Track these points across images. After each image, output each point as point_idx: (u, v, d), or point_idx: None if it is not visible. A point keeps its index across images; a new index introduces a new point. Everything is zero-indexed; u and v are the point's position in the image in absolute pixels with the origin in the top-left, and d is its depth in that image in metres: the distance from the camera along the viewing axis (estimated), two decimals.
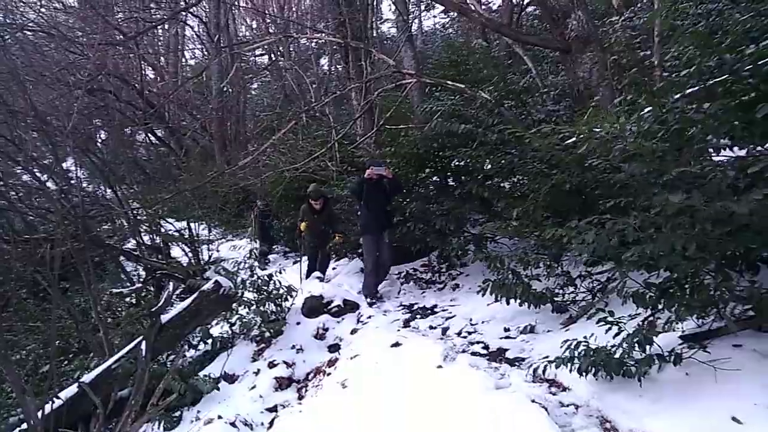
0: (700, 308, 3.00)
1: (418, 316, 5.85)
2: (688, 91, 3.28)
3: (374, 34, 15.29)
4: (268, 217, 10.51)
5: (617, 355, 3.06)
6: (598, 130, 3.28)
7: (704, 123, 2.96)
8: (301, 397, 4.60)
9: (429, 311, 5.93)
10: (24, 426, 3.78)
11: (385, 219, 6.53)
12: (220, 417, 4.11)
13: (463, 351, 4.51)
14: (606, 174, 4.11)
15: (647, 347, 2.98)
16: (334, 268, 8.05)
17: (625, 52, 6.53)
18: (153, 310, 5.10)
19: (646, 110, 3.18)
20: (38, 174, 8.13)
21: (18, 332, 6.60)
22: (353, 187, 6.64)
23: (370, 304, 6.28)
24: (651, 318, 3.60)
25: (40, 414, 3.61)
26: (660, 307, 3.17)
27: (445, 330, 5.30)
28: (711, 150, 3.32)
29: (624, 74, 6.20)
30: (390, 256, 6.71)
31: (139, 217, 8.97)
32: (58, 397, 4.05)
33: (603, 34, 7.20)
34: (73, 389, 4.47)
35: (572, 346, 3.26)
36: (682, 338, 3.13)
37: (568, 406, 3.21)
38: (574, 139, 4.68)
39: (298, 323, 5.82)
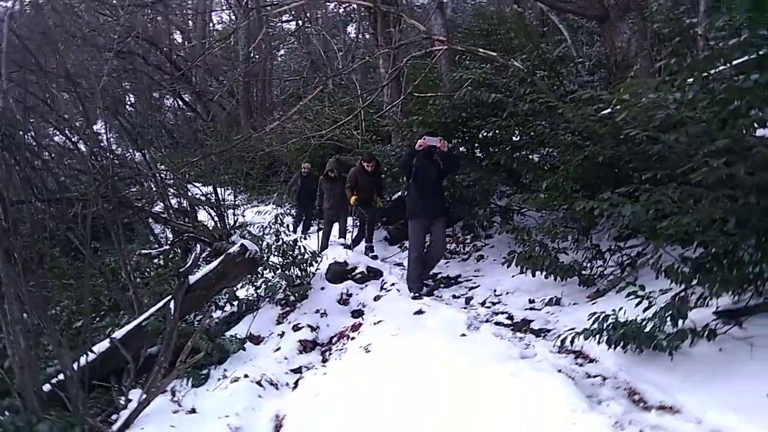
0: (736, 284, 2.92)
1: (442, 286, 5.86)
2: (736, 61, 3.13)
3: (404, 1, 14.98)
4: (311, 179, 9.73)
5: (648, 329, 3.01)
6: (639, 97, 3.16)
7: (752, 94, 2.83)
8: (325, 360, 4.66)
9: (452, 281, 5.94)
10: (60, 377, 3.90)
11: (437, 202, 5.54)
12: (246, 376, 4.20)
13: (487, 320, 4.52)
14: (642, 145, 3.99)
15: (680, 322, 2.92)
16: (349, 230, 8.13)
17: (668, 22, 6.25)
18: (181, 270, 5.19)
19: (688, 77, 3.04)
20: (69, 135, 8.26)
21: (52, 289, 6.80)
22: (404, 159, 5.60)
23: (415, 298, 5.29)
24: (683, 293, 3.52)
25: (75, 366, 3.73)
26: (694, 282, 3.09)
27: (468, 300, 5.30)
28: (755, 124, 3.19)
29: (665, 44, 5.97)
30: (443, 247, 5.85)
31: (166, 181, 9.09)
32: (92, 351, 4.18)
33: (643, 2, 6.90)
34: (105, 344, 4.61)
35: (600, 319, 3.23)
36: (716, 314, 3.06)
37: (594, 377, 3.19)
38: (609, 110, 4.57)
39: (322, 288, 5.87)
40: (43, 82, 6.48)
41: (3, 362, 3.99)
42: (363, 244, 7.75)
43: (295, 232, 9.47)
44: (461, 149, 7.46)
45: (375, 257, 7.20)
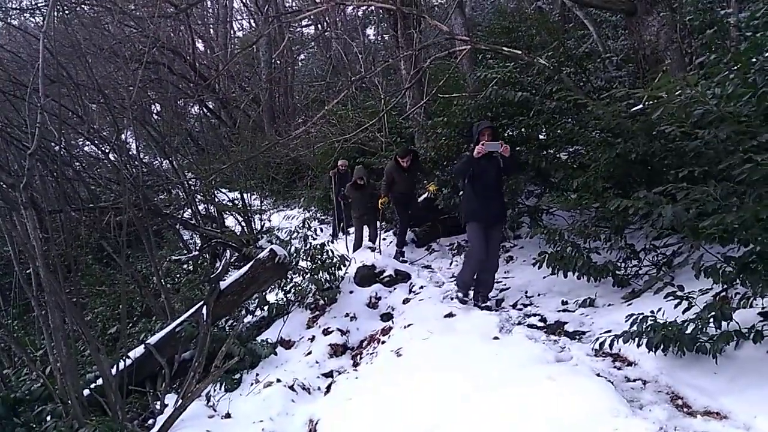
0: None
1: (471, 288, 5.79)
2: None
3: (422, 2, 14.92)
4: (347, 176, 9.22)
5: (689, 331, 2.93)
6: (676, 94, 3.07)
7: None
8: (356, 364, 4.66)
9: None
10: (99, 382, 3.98)
11: (497, 205, 5.04)
12: (279, 380, 4.22)
13: (519, 323, 4.45)
14: (677, 142, 3.90)
15: (723, 323, 2.83)
16: (384, 239, 8.05)
17: (698, 13, 6.10)
18: (212, 276, 5.26)
19: (731, 72, 2.95)
20: (99, 145, 8.44)
21: (86, 296, 6.96)
22: (460, 167, 5.10)
23: (462, 302, 5.05)
24: (723, 293, 3.42)
25: (113, 371, 3.80)
26: (737, 282, 2.99)
27: (499, 302, 5.24)
28: None
29: (695, 37, 5.83)
30: (497, 261, 5.33)
31: (194, 187, 9.23)
32: (128, 357, 4.26)
33: None
34: (140, 350, 4.70)
35: (639, 321, 3.15)
36: (761, 315, 2.96)
37: (634, 381, 3.11)
38: (641, 106, 4.47)
39: (351, 292, 5.88)
40: (74, 94, 6.62)
41: (44, 368, 4.10)
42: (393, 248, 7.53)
43: (334, 234, 9.40)
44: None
45: (404, 262, 7.03)
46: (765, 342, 2.75)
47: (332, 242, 6.56)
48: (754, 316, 2.99)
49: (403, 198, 7.32)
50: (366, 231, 8.17)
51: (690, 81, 2.93)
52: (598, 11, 9.25)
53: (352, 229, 8.49)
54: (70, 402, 3.45)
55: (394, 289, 6.03)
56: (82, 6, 9.96)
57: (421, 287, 5.89)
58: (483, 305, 5.06)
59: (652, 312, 3.16)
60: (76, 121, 7.92)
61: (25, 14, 10.66)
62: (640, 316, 3.17)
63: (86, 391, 3.95)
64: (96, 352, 3.80)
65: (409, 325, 4.81)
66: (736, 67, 2.86)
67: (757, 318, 2.93)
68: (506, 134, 6.77)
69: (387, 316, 5.48)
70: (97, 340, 5.08)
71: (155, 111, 15.34)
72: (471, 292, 5.15)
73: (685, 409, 2.72)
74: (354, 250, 7.55)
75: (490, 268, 5.12)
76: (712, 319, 2.86)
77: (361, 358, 4.75)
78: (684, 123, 3.25)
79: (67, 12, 8.36)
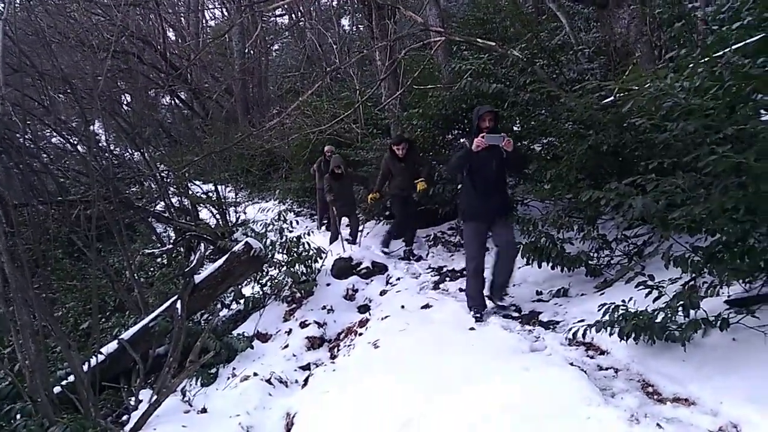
0: (748, 273, 2.92)
1: (448, 279, 5.85)
2: (735, 46, 3.11)
3: None
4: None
5: (659, 319, 3.01)
6: (646, 86, 3.13)
7: (759, 79, 2.81)
8: (333, 357, 4.66)
9: (458, 274, 5.91)
10: (70, 379, 3.91)
11: (499, 200, 4.51)
12: (255, 374, 4.20)
13: (495, 313, 4.50)
14: (647, 134, 3.97)
15: (692, 312, 2.91)
16: (361, 230, 8.02)
17: (667, 7, 6.21)
18: (187, 270, 5.18)
19: (698, 66, 3.01)
20: (67, 136, 8.22)
21: (56, 291, 6.79)
22: (455, 162, 4.49)
23: (478, 319, 4.37)
24: (692, 282, 3.52)
25: (85, 368, 3.73)
26: (705, 271, 3.08)
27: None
28: (763, 110, 3.17)
29: (664, 30, 5.93)
30: (514, 251, 4.56)
31: (166, 179, 9.07)
32: (100, 353, 4.18)
33: None
34: (113, 345, 4.62)
35: (611, 310, 3.22)
36: (727, 303, 3.06)
37: (606, 369, 3.19)
38: (612, 98, 4.54)
39: (328, 284, 5.88)
40: (39, 84, 6.42)
41: (12, 366, 4.00)
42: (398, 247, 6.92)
43: (321, 226, 9.14)
44: (462, 140, 7.41)
45: (419, 258, 6.60)
46: (731, 330, 2.83)
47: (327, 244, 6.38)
48: (720, 304, 3.08)
49: (402, 193, 6.61)
50: (345, 222, 7.91)
51: (660, 74, 2.98)
52: (571, 3, 9.34)
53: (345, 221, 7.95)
54: (39, 400, 3.38)
55: (371, 281, 6.05)
56: None
57: (398, 279, 5.92)
58: (499, 304, 4.57)
59: (623, 301, 3.22)
60: (42, 112, 7.70)
61: None
62: (612, 306, 3.23)
63: (57, 389, 3.87)
64: (66, 349, 3.73)
65: (386, 317, 4.82)
66: (703, 61, 2.91)
67: (724, 306, 3.02)
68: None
69: (364, 308, 5.49)
70: (68, 336, 4.98)
71: (125, 101, 14.99)
72: (487, 304, 4.57)
73: (655, 397, 2.80)
74: (330, 243, 7.48)
75: (507, 265, 4.51)
76: (681, 308, 2.94)
77: (338, 350, 4.75)
78: (653, 116, 3.30)
79: None
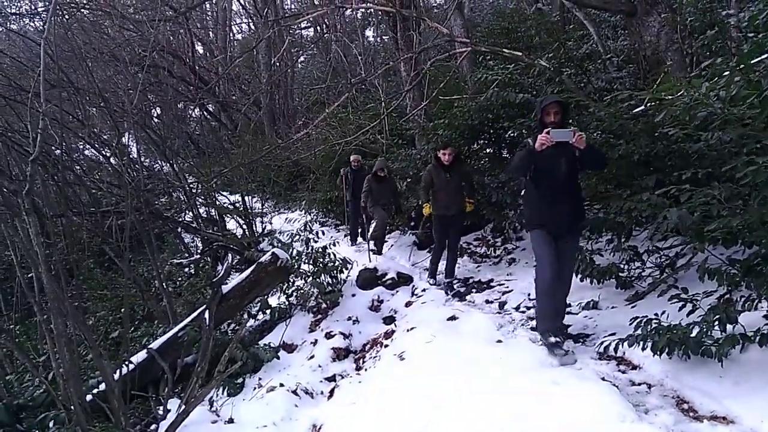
0: None
1: (474, 290, 5.80)
2: None
3: (421, 3, 14.92)
4: (363, 171, 8.48)
5: (694, 334, 2.92)
6: (679, 96, 3.07)
7: None
8: (358, 368, 4.65)
9: (485, 285, 5.87)
10: (102, 387, 3.97)
11: (570, 208, 3.83)
12: (281, 385, 4.21)
13: (522, 326, 4.44)
14: (680, 143, 3.89)
15: (729, 326, 2.82)
16: (385, 241, 8.02)
17: (698, 14, 6.10)
18: (214, 280, 5.24)
19: (735, 74, 2.94)
20: (100, 149, 8.44)
21: (88, 300, 6.95)
22: (517, 163, 3.82)
23: (553, 345, 3.63)
24: (728, 296, 3.41)
25: (116, 376, 3.79)
26: (742, 284, 2.99)
27: (502, 305, 5.22)
28: None
29: (696, 37, 5.82)
30: (569, 280, 4.02)
31: (194, 191, 9.22)
32: (130, 361, 4.24)
33: None
34: (142, 354, 4.69)
35: (643, 324, 3.14)
36: (767, 317, 2.95)
37: (639, 384, 3.10)
38: (642, 107, 4.47)
39: (353, 295, 5.87)
40: (75, 98, 6.62)
41: (47, 374, 4.09)
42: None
43: (353, 241, 8.84)
44: (488, 150, 7.39)
45: (458, 294, 5.75)
46: None
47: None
48: (759, 318, 2.98)
49: (447, 213, 5.75)
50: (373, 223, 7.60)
51: (694, 83, 2.92)
52: (598, 12, 9.25)
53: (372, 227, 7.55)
54: (73, 408, 3.44)
55: (397, 291, 6.03)
56: (82, 10, 9.99)
57: (424, 290, 5.88)
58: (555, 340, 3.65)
59: (656, 315, 3.15)
60: (77, 126, 7.92)
61: (24, 19, 10.69)
62: (644, 319, 3.16)
63: (89, 397, 3.93)
64: (98, 357, 3.79)
65: (411, 329, 4.79)
66: (739, 69, 2.85)
67: (762, 321, 2.92)
68: (507, 136, 6.78)
69: (389, 320, 5.47)
70: (99, 344, 5.07)
71: (155, 114, 15.36)
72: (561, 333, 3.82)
73: (691, 414, 2.70)
74: (371, 240, 7.43)
75: (563, 289, 3.93)
76: (716, 322, 2.84)
77: (364, 361, 4.74)
78: (687, 125, 3.24)
79: (67, 17, 8.37)
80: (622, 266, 4.62)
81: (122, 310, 4.97)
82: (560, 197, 3.77)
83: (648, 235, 4.08)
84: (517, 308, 5.02)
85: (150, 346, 4.78)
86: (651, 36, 5.89)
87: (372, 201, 7.66)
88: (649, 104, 4.22)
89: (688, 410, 2.74)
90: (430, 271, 6.23)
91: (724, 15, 5.62)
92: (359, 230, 8.88)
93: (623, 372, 3.32)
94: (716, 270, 3.03)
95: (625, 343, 3.14)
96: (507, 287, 5.61)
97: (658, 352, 3.00)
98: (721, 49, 5.33)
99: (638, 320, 3.19)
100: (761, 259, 2.80)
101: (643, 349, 3.08)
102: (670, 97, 3.53)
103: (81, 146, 10.15)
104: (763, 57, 3.05)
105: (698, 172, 3.29)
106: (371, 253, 7.08)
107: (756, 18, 3.67)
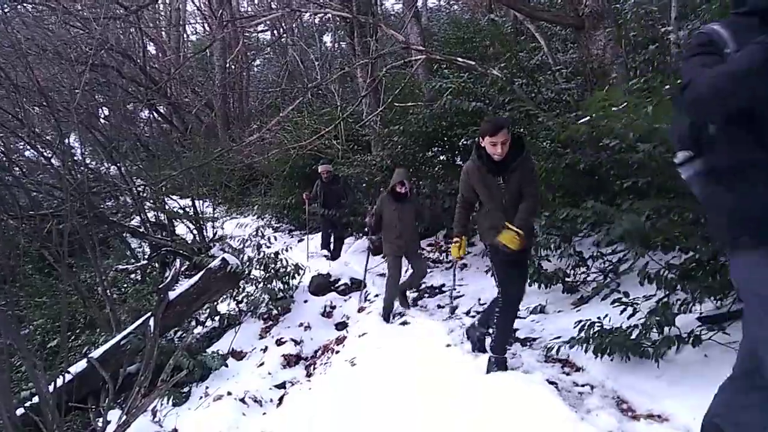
0: (719, 290, 2.96)
1: (426, 296, 5.83)
2: None
3: (379, 11, 15.02)
4: (337, 184, 7.73)
5: (634, 336, 3.02)
6: (613, 109, 3.20)
7: None
8: (309, 375, 4.60)
9: (437, 290, 5.91)
10: (36, 399, 3.77)
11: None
12: (229, 393, 4.12)
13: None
14: (622, 153, 4.03)
15: (666, 328, 2.93)
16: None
17: (641, 29, 6.38)
18: (161, 286, 5.08)
19: (665, 89, 3.08)
20: (41, 150, 8.07)
21: (24, 307, 6.61)
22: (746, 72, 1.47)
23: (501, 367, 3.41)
24: (666, 299, 3.55)
25: (51, 388, 3.60)
26: (678, 288, 3.11)
27: (453, 309, 5.27)
28: None
29: (639, 52, 6.08)
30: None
31: (143, 194, 8.93)
32: (68, 372, 4.05)
33: (617, 10, 7.03)
34: (82, 364, 4.49)
35: (586, 327, 3.23)
36: (699, 320, 3.09)
37: (582, 386, 3.19)
38: (588, 117, 4.62)
39: (306, 301, 5.82)
40: (13, 96, 6.31)
41: None
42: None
43: (330, 255, 7.88)
44: (442, 157, 7.45)
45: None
46: (703, 346, 2.86)
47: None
48: (693, 321, 3.11)
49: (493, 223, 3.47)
50: (406, 270, 5.42)
51: (630, 100, 3.04)
52: (549, 25, 9.54)
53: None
54: (1, 422, 3.25)
55: (349, 297, 6.01)
56: (24, 5, 9.55)
57: (376, 295, 5.88)
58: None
59: (598, 318, 3.25)
60: (16, 125, 7.55)
61: None
62: (588, 323, 3.25)
63: (20, 410, 3.73)
64: (32, 368, 3.60)
65: (363, 334, 4.79)
66: (667, 87, 2.98)
67: (696, 323, 3.05)
68: (461, 143, 6.88)
69: (342, 325, 5.44)
70: (35, 354, 4.83)
71: (103, 115, 14.81)
72: None
73: (629, 413, 2.80)
74: (388, 302, 5.17)
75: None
76: (657, 325, 2.96)
77: (314, 368, 4.69)
78: (625, 136, 3.36)
79: (6, 9, 7.98)
80: (568, 271, 4.76)
81: (61, 317, 4.74)
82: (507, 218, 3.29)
83: (595, 240, 4.20)
84: (467, 313, 5.08)
85: (91, 355, 4.59)
86: (598, 49, 6.10)
87: (387, 234, 5.20)
88: (593, 114, 4.36)
89: (627, 410, 2.83)
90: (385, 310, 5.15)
91: (664, 32, 5.89)
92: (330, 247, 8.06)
93: (567, 374, 3.40)
94: (655, 274, 3.15)
95: (568, 346, 3.22)
96: (458, 292, 5.66)
97: (600, 354, 3.09)
98: (661, 64, 5.58)
99: (581, 323, 3.28)
100: (695, 264, 2.93)
101: (586, 351, 3.17)
102: (614, 108, 3.66)
103: (21, 147, 9.69)
104: None
105: (638, 181, 3.43)
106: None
107: (691, 35, 3.87)
